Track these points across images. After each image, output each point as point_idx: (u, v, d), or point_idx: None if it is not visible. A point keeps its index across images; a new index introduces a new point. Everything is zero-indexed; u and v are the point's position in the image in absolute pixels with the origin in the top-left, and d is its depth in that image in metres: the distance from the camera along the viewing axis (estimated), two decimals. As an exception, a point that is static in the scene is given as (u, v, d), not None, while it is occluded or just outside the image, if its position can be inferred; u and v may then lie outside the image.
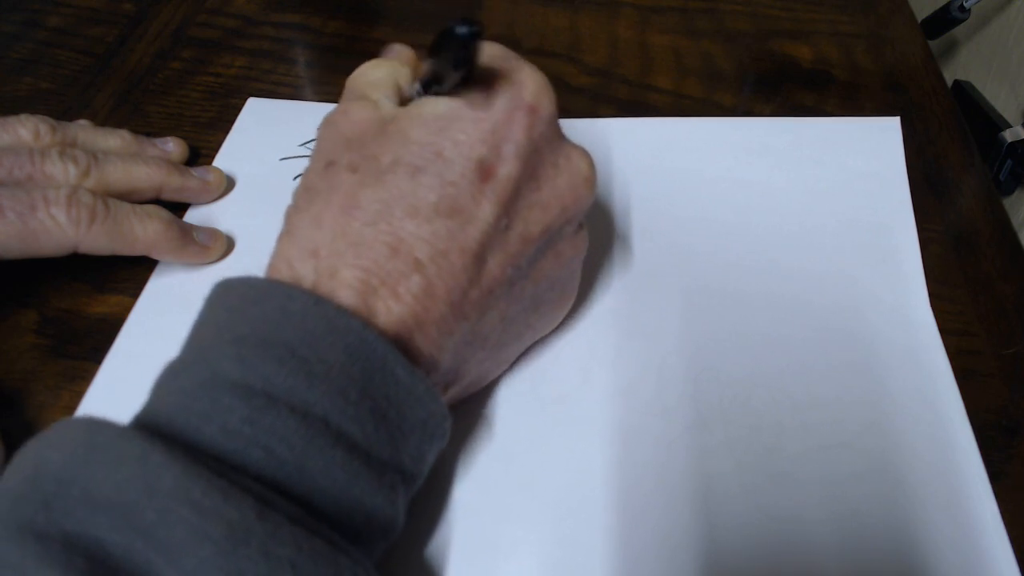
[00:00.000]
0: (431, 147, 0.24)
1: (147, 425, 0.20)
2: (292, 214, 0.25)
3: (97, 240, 0.30)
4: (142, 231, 0.31)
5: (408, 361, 0.22)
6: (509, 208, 0.24)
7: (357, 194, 0.23)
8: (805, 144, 0.38)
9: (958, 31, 0.67)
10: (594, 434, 0.28)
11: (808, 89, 0.43)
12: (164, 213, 0.32)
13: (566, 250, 0.27)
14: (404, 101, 0.27)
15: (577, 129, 0.39)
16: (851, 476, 0.27)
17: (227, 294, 0.22)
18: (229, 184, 0.37)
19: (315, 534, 0.19)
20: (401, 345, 0.22)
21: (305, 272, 0.23)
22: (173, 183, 0.34)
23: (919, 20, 0.50)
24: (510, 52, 0.26)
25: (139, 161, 0.34)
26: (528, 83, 0.25)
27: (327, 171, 0.24)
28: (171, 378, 0.21)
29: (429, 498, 0.27)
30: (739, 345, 0.31)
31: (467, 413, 0.29)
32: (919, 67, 0.45)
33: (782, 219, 0.35)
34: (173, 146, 0.37)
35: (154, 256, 0.32)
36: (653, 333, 0.31)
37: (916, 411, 0.29)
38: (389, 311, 0.22)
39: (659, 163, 0.37)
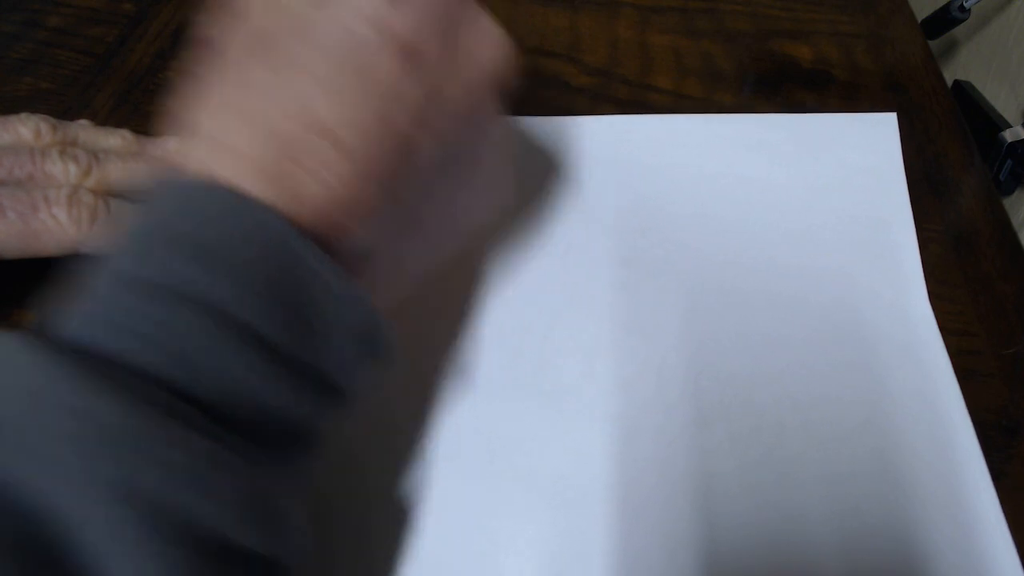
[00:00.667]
0: (339, 23, 0.22)
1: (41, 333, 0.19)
2: (189, 111, 0.22)
3: (99, 240, 0.30)
4: None
5: (329, 257, 0.20)
6: (433, 87, 0.23)
7: (261, 74, 0.21)
8: (802, 140, 0.38)
9: (958, 31, 0.67)
10: (594, 431, 0.28)
11: (808, 89, 0.43)
12: None
13: (486, 120, 0.26)
14: None
15: (576, 126, 0.39)
16: (851, 474, 0.27)
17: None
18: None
19: (204, 434, 0.17)
20: (324, 237, 0.21)
21: (204, 155, 0.21)
22: None
23: (919, 20, 0.50)
24: None
25: (140, 161, 0.34)
26: None
27: (222, 54, 0.22)
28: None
29: (426, 491, 0.27)
30: (739, 343, 0.31)
31: (466, 407, 0.29)
32: (919, 67, 0.45)
33: (780, 215, 0.35)
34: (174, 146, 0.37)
35: None
36: (653, 330, 0.31)
37: (916, 408, 0.29)
38: (307, 196, 0.20)
39: (657, 159, 0.37)
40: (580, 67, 0.44)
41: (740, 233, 0.35)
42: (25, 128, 0.32)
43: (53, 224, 0.29)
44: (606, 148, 0.38)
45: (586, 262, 0.33)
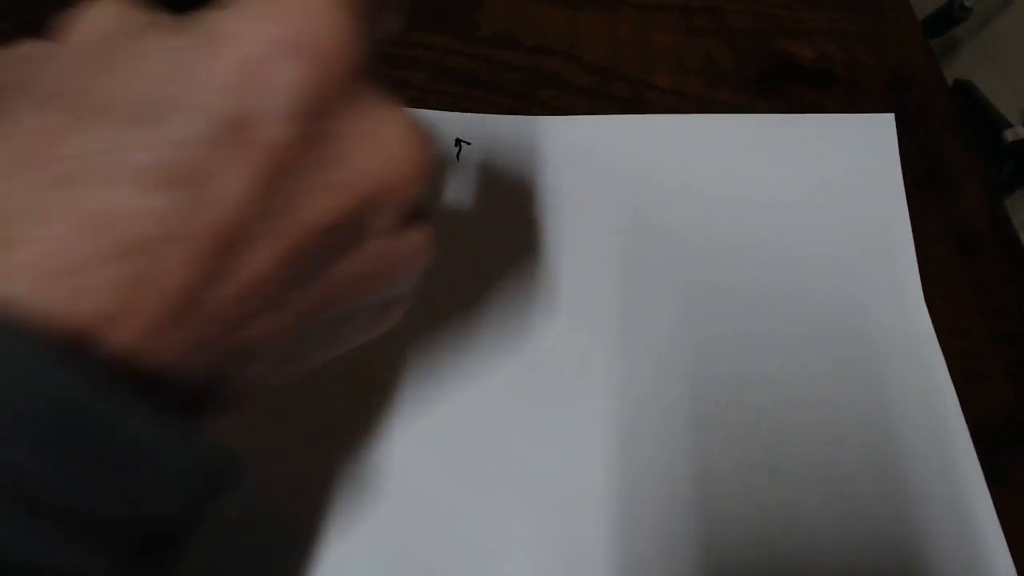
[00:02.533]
0: (165, 87, 0.17)
1: None
2: None
3: None
4: None
5: (120, 378, 0.16)
6: (279, 187, 0.17)
7: (60, 138, 0.16)
8: (799, 140, 0.38)
9: (960, 30, 0.67)
10: (591, 432, 0.28)
11: (809, 88, 0.43)
12: None
13: (384, 254, 0.20)
14: None
15: (574, 126, 0.39)
16: (849, 474, 0.27)
17: None
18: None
19: None
20: (114, 351, 0.16)
21: None
22: None
23: (920, 19, 0.50)
24: None
25: None
26: (323, 23, 0.17)
27: (27, 109, 0.17)
28: None
29: (423, 496, 0.27)
30: (736, 344, 0.31)
31: (461, 410, 0.28)
32: (920, 66, 0.45)
33: (777, 216, 0.35)
34: None
35: None
36: (649, 330, 0.31)
37: (912, 409, 0.29)
38: (76, 307, 0.16)
39: (653, 160, 0.37)
40: (580, 65, 0.44)
41: (737, 234, 0.34)
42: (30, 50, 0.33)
43: None
44: (603, 148, 0.38)
45: (583, 262, 0.33)
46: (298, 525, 0.26)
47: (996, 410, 0.30)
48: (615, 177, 0.36)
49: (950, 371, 0.30)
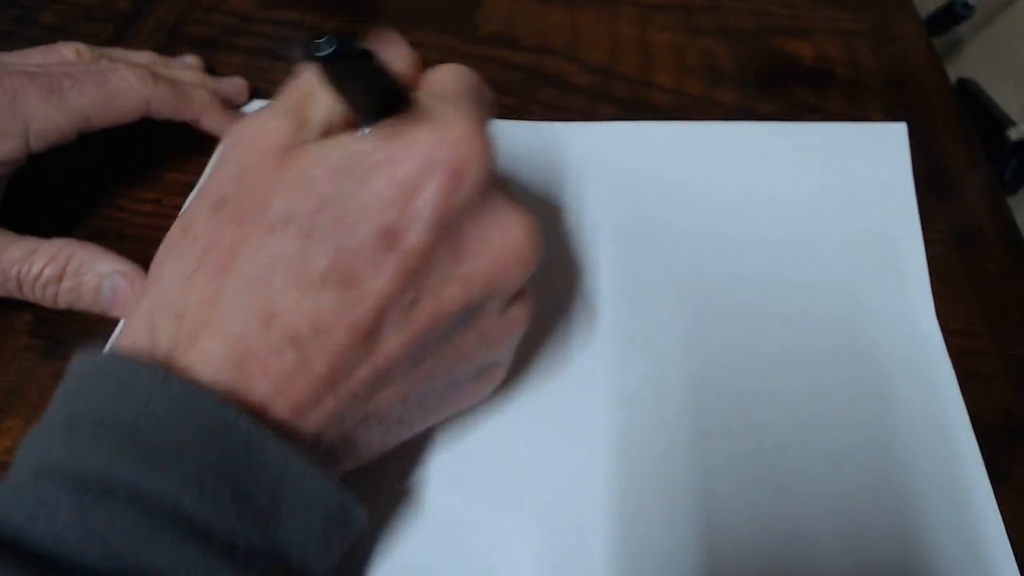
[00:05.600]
0: (334, 205, 0.20)
1: None
2: (165, 258, 0.22)
3: (163, 95, 0.34)
4: (196, 94, 0.36)
5: (279, 436, 0.19)
6: (416, 282, 0.21)
7: (238, 253, 0.20)
8: (809, 149, 0.38)
9: (962, 28, 0.67)
10: (593, 447, 0.28)
11: (810, 87, 0.42)
12: (208, 86, 0.38)
13: (492, 329, 0.24)
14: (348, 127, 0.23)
15: (577, 132, 0.38)
16: (855, 490, 0.27)
17: (70, 375, 0.20)
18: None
19: None
20: (272, 422, 0.20)
21: (164, 337, 0.20)
22: (214, 110, 0.37)
23: (923, 17, 0.50)
24: (467, 87, 0.24)
25: (189, 83, 0.37)
26: (462, 145, 0.21)
27: (213, 211, 0.21)
28: (9, 471, 0.19)
29: (422, 509, 0.26)
30: (740, 356, 0.30)
31: (463, 425, 0.28)
32: (923, 65, 0.44)
33: (785, 226, 0.35)
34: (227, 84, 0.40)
35: (203, 124, 0.37)
36: (653, 343, 0.31)
37: (920, 425, 0.28)
38: (253, 388, 0.20)
39: (660, 168, 0.37)
40: (580, 65, 0.44)
41: (743, 244, 0.34)
42: (67, 50, 0.36)
43: (125, 85, 0.33)
44: (607, 156, 0.37)
45: (585, 273, 0.33)
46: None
47: (997, 410, 0.30)
48: (619, 185, 0.36)
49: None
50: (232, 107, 0.39)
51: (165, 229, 0.34)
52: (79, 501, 0.17)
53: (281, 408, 0.20)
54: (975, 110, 0.61)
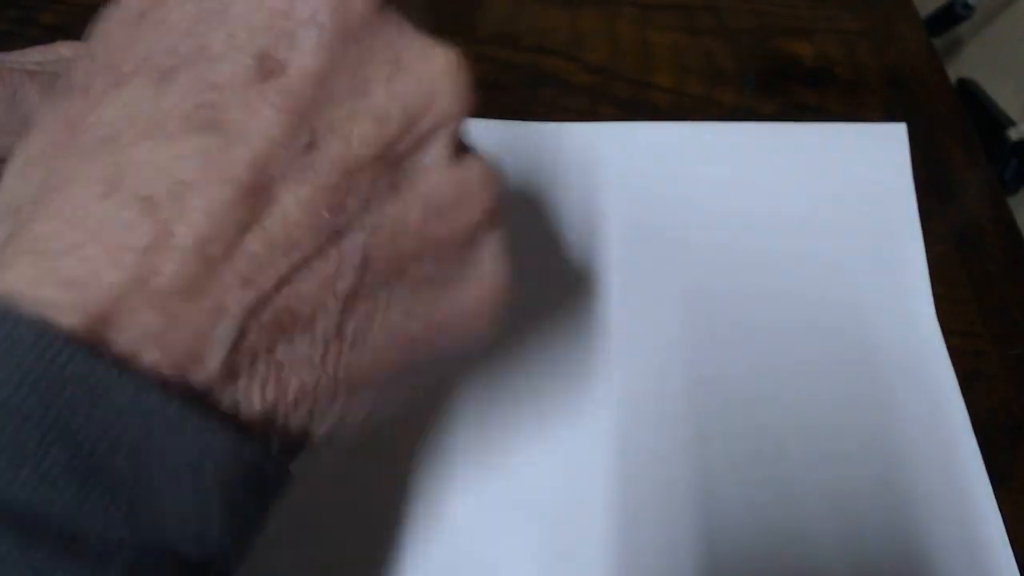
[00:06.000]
0: (191, 39, 0.16)
1: None
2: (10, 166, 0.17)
3: None
4: None
5: (135, 372, 0.14)
6: (308, 120, 0.16)
7: (80, 121, 0.16)
8: (809, 150, 0.38)
9: (962, 28, 0.67)
10: (591, 445, 0.28)
11: (810, 87, 0.42)
12: None
13: (441, 192, 0.18)
14: None
15: (578, 133, 0.38)
16: (854, 490, 0.27)
17: None
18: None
19: None
20: (119, 334, 0.14)
21: None
22: None
23: (923, 17, 0.50)
24: None
25: None
26: None
27: (60, 96, 0.17)
28: None
29: (420, 513, 0.26)
30: (740, 354, 0.30)
31: (459, 424, 0.28)
32: (923, 65, 0.44)
33: (785, 226, 0.35)
34: None
35: None
36: (651, 341, 0.31)
37: (920, 423, 0.28)
38: (93, 279, 0.14)
39: (660, 168, 0.37)
40: (580, 65, 0.44)
41: (743, 245, 0.34)
42: (66, 49, 0.34)
43: None
44: (607, 156, 0.37)
45: (585, 273, 0.33)
46: (295, 536, 0.26)
47: (997, 410, 0.30)
48: (619, 185, 0.36)
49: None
50: None
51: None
52: None
53: (142, 316, 0.14)
54: (975, 110, 0.61)
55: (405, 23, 0.18)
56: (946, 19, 0.64)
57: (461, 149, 0.18)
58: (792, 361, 0.30)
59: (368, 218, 0.17)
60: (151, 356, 0.14)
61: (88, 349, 0.13)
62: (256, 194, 0.15)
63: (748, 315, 0.32)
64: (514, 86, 0.42)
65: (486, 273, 0.20)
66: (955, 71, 0.68)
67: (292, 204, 0.16)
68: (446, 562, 0.25)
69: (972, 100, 0.62)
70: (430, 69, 0.17)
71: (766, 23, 0.46)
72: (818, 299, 0.32)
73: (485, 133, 0.37)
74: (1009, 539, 0.26)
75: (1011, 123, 0.58)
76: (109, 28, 0.17)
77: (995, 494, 0.27)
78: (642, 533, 0.26)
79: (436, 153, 0.18)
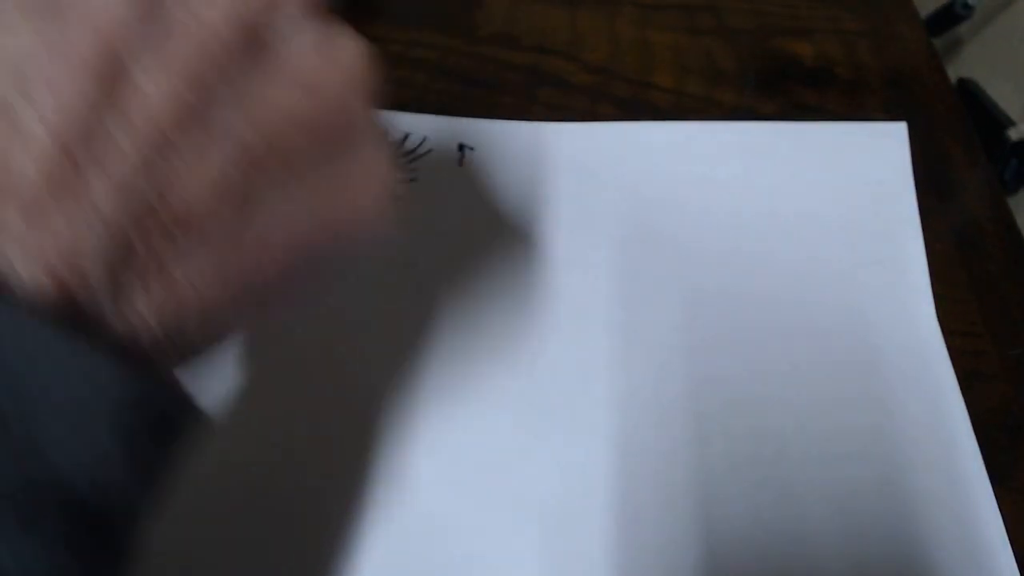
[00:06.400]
0: None
1: None
2: None
3: None
4: None
5: (15, 289, 0.13)
6: None
7: None
8: (809, 149, 0.38)
9: (962, 28, 0.67)
10: (592, 445, 0.28)
11: (810, 87, 0.42)
12: None
13: (305, 63, 0.16)
14: None
15: (575, 133, 0.38)
16: (855, 490, 0.27)
17: None
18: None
19: None
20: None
21: None
22: None
23: (923, 17, 0.50)
24: None
25: None
26: None
27: None
28: None
29: (421, 509, 0.26)
30: (740, 354, 0.30)
31: (459, 424, 0.28)
32: (923, 65, 0.44)
33: (785, 225, 0.35)
34: None
35: None
36: (652, 341, 0.31)
37: (920, 423, 0.28)
38: None
39: (660, 168, 0.37)
40: (580, 65, 0.44)
41: (743, 244, 0.34)
42: None
43: None
44: (607, 156, 0.37)
45: (584, 273, 0.33)
46: (295, 540, 0.26)
47: (997, 410, 0.30)
48: (619, 185, 0.36)
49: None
50: None
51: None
52: None
53: (7, 220, 0.13)
54: (975, 110, 0.61)
55: None
56: (946, 19, 0.64)
57: (327, 27, 0.17)
58: (792, 361, 0.30)
59: (236, 99, 0.15)
60: (25, 269, 0.13)
61: None
62: (109, 78, 0.14)
63: (748, 315, 0.32)
64: (514, 86, 0.42)
65: (370, 163, 0.18)
66: (955, 71, 0.68)
67: (150, 86, 0.14)
68: (446, 562, 0.25)
69: (972, 100, 0.62)
70: None
71: (766, 23, 0.46)
72: (818, 299, 0.32)
73: (485, 133, 0.38)
74: (1009, 539, 0.26)
75: (1011, 123, 0.58)
76: None
77: (995, 494, 0.27)
78: (642, 533, 0.26)
79: (297, 25, 0.16)
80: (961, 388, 0.30)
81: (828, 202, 0.36)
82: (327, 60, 0.16)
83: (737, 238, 0.34)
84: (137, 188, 0.14)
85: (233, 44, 0.15)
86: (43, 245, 0.13)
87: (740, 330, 0.31)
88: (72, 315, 0.13)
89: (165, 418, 0.14)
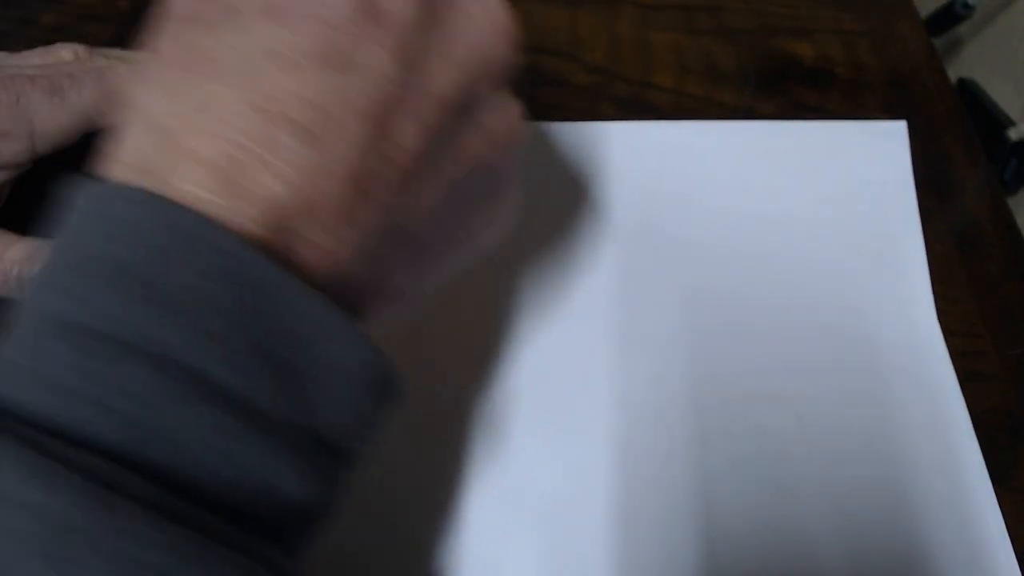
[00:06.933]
0: None
1: None
2: (138, 90, 0.19)
3: None
4: None
5: (303, 283, 0.16)
6: (410, 60, 0.19)
7: (214, 53, 0.18)
8: (809, 148, 0.38)
9: (962, 28, 0.67)
10: (591, 444, 0.28)
11: (810, 87, 0.42)
12: None
13: (493, 124, 0.22)
14: None
15: (576, 132, 0.38)
16: (855, 491, 0.27)
17: (71, 209, 0.17)
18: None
19: (180, 522, 0.14)
20: (289, 243, 0.17)
21: (148, 153, 0.17)
22: None
23: (923, 17, 0.50)
24: None
25: None
26: None
27: (175, 31, 0.19)
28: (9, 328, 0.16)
29: (420, 511, 0.26)
30: (740, 353, 0.30)
31: (460, 421, 0.28)
32: (923, 65, 0.44)
33: (785, 225, 0.35)
34: None
35: None
36: (652, 340, 0.31)
37: (921, 423, 0.28)
38: (265, 192, 0.16)
39: (660, 168, 0.37)
40: (580, 65, 0.44)
41: (743, 244, 0.34)
42: (65, 51, 0.35)
43: (123, 82, 0.32)
44: (607, 156, 0.37)
45: (585, 273, 0.33)
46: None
47: (997, 410, 0.30)
48: (620, 185, 0.36)
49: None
50: None
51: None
52: (75, 351, 0.15)
53: (296, 217, 0.17)
54: (975, 110, 0.61)
55: None
56: (946, 19, 0.64)
57: (506, 97, 0.22)
58: (792, 360, 0.30)
59: (451, 146, 0.20)
60: (321, 269, 0.17)
61: (270, 257, 0.16)
62: (385, 128, 0.18)
63: (748, 314, 0.32)
64: (514, 86, 0.42)
65: (510, 191, 0.24)
66: (955, 71, 0.68)
67: (410, 138, 0.19)
68: (446, 562, 0.25)
69: (972, 100, 0.62)
70: (493, 17, 0.21)
71: (766, 23, 0.46)
72: (818, 298, 0.32)
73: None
74: (1009, 539, 0.26)
75: (1011, 123, 0.58)
76: None
77: (995, 494, 0.27)
78: (642, 533, 0.26)
79: (490, 94, 0.21)
80: (961, 388, 0.30)
81: (828, 202, 0.36)
82: (505, 122, 0.22)
83: (737, 238, 0.34)
84: (391, 210, 0.19)
85: (456, 106, 0.20)
86: (334, 252, 0.18)
87: (740, 329, 0.31)
88: (343, 301, 0.18)
89: (389, 387, 0.19)
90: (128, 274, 0.15)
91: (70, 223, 0.16)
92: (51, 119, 0.31)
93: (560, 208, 0.35)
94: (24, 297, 0.16)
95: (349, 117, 0.17)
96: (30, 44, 0.45)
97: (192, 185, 0.16)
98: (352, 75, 0.18)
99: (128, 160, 0.17)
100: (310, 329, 0.16)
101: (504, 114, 0.22)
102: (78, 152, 0.33)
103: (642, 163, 0.37)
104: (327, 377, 0.17)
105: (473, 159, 0.21)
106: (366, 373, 0.18)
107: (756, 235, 0.34)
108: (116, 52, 0.38)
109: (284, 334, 0.16)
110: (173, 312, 0.15)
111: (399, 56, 0.18)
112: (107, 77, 0.33)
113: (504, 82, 0.22)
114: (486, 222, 0.24)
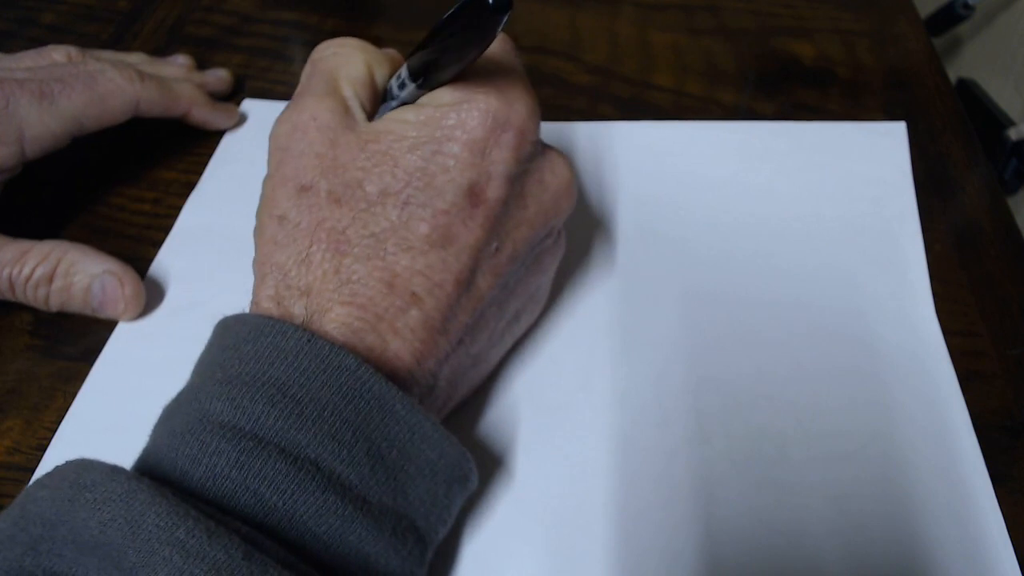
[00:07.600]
0: (420, 175, 0.23)
1: (143, 469, 0.20)
2: (270, 247, 0.24)
3: (151, 93, 0.35)
4: (182, 89, 0.36)
5: (408, 397, 0.21)
6: (498, 230, 0.24)
7: (347, 231, 0.23)
8: (808, 148, 0.38)
9: (962, 28, 0.67)
10: (592, 444, 0.28)
11: (810, 87, 0.42)
12: (193, 80, 0.39)
13: (546, 259, 0.28)
14: (376, 96, 0.27)
15: (577, 132, 0.38)
16: (855, 490, 0.27)
17: (224, 332, 0.22)
18: (226, 183, 0.36)
19: None
20: (400, 381, 0.22)
21: (296, 311, 0.22)
22: (201, 103, 0.38)
23: (923, 17, 0.50)
24: (508, 53, 0.26)
25: (174, 78, 0.38)
26: (519, 106, 0.24)
27: (303, 197, 0.24)
28: (166, 419, 0.21)
29: None
30: (740, 354, 0.30)
31: (462, 423, 0.28)
32: (923, 65, 0.44)
33: (785, 225, 0.35)
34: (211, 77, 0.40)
35: (193, 118, 0.37)
36: (652, 341, 0.31)
37: (921, 427, 0.28)
38: (386, 348, 0.22)
39: (660, 167, 0.37)
40: (580, 65, 0.44)
41: (744, 244, 0.34)
42: (57, 53, 0.36)
43: (113, 86, 0.33)
44: (607, 156, 0.37)
45: (585, 271, 0.33)
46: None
47: (997, 410, 0.29)
48: (619, 185, 0.36)
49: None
50: (219, 99, 0.39)
51: (165, 228, 0.34)
52: (236, 449, 0.19)
53: (407, 361, 0.22)
54: (975, 110, 0.61)
55: (543, 145, 0.26)
56: (946, 19, 0.64)
57: (556, 155, 0.27)
58: (792, 361, 0.30)
59: (518, 286, 0.26)
60: (419, 389, 0.23)
61: (385, 379, 0.21)
62: (468, 285, 0.24)
63: (748, 315, 0.31)
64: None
65: (562, 241, 0.29)
66: (955, 71, 0.68)
67: (484, 288, 0.24)
68: (446, 562, 0.25)
69: (972, 100, 0.62)
70: (560, 183, 0.26)
71: (766, 23, 0.46)
72: (818, 298, 0.32)
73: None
74: (1009, 539, 0.26)
75: (1011, 123, 0.58)
76: (333, 139, 0.24)
77: (995, 494, 0.27)
78: (642, 533, 0.26)
79: (553, 237, 0.27)
80: (961, 388, 0.30)
81: (828, 202, 0.35)
82: (554, 253, 0.28)
83: (737, 238, 0.34)
84: (464, 344, 0.25)
85: (523, 257, 0.26)
86: (429, 381, 0.24)
87: (740, 329, 0.31)
88: (430, 409, 0.24)
89: (467, 481, 0.23)
90: (281, 391, 0.20)
91: (233, 346, 0.21)
92: (40, 124, 0.31)
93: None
94: (184, 401, 0.21)
95: (450, 283, 0.23)
96: (30, 44, 0.45)
97: (333, 329, 0.22)
98: (454, 250, 0.23)
99: (275, 309, 0.23)
100: (411, 436, 0.21)
101: (556, 248, 0.28)
102: (71, 152, 0.33)
103: (642, 163, 0.37)
104: (420, 473, 0.21)
105: (527, 289, 0.27)
106: (452, 471, 0.22)
107: (756, 235, 0.34)
108: (108, 54, 0.38)
109: (391, 439, 0.21)
110: (311, 421, 0.20)
111: (488, 228, 0.24)
112: (97, 81, 0.33)
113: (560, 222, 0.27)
114: (526, 326, 0.29)
